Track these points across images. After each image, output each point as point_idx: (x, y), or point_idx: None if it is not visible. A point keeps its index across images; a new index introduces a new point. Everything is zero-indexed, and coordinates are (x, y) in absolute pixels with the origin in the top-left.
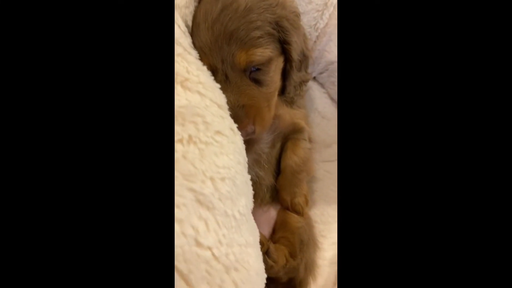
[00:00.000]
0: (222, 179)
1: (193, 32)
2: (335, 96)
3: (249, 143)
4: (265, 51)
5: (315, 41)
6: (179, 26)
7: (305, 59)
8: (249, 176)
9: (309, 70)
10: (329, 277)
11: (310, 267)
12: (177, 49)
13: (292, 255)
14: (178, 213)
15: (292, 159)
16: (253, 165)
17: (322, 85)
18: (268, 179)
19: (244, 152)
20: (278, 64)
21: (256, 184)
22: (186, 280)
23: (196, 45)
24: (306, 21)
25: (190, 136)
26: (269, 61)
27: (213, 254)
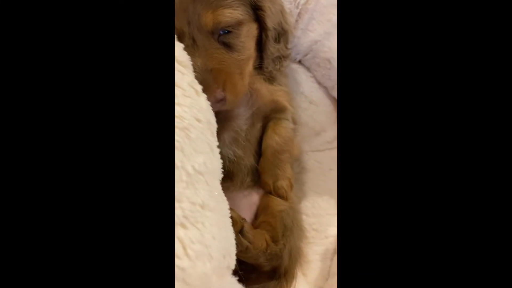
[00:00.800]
0: None
1: None
2: (322, 80)
3: (226, 120)
4: (234, 12)
5: (297, 20)
6: None
7: (284, 33)
8: (215, 141)
9: (294, 53)
10: (321, 273)
11: (295, 255)
12: None
13: (274, 239)
14: None
15: (273, 138)
16: (231, 144)
17: (308, 68)
18: (247, 159)
19: (210, 114)
20: (250, 30)
21: (234, 163)
22: None
23: None
24: None
25: None
26: (239, 23)
27: None
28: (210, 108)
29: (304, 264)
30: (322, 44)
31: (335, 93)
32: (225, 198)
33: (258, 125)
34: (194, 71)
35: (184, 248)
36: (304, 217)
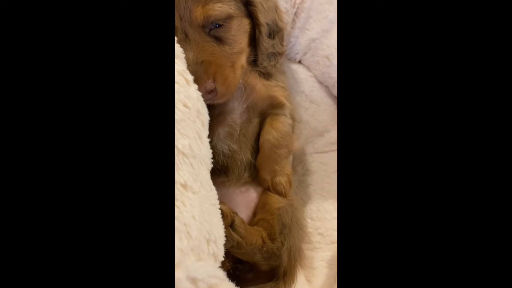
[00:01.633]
0: None
1: None
2: (322, 78)
3: (221, 114)
4: (224, 6)
5: (294, 19)
6: None
7: (279, 30)
8: (205, 131)
9: (293, 53)
10: (327, 280)
11: (295, 255)
12: None
13: (271, 237)
14: None
15: (270, 133)
16: (226, 138)
17: (308, 68)
18: (243, 154)
19: (200, 104)
20: (242, 24)
21: (229, 158)
22: None
23: None
24: None
25: None
26: (229, 17)
27: None
28: (201, 99)
29: (310, 270)
30: (320, 42)
31: (336, 92)
32: (214, 188)
33: (255, 121)
34: (187, 64)
35: None
36: (309, 220)
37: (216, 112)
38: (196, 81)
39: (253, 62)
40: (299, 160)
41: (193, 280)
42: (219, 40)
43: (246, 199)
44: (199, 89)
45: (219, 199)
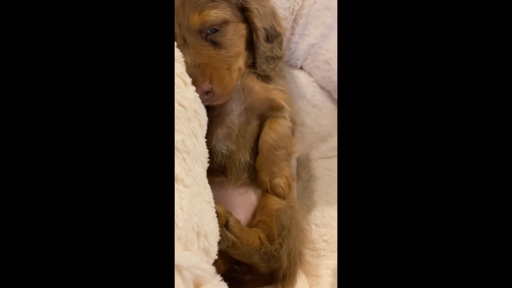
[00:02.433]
0: None
1: None
2: (323, 83)
3: (219, 116)
4: (219, 12)
5: (293, 26)
6: None
7: (277, 35)
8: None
9: (294, 59)
10: None
11: (295, 258)
12: None
13: (270, 239)
14: None
15: (268, 135)
16: (224, 139)
17: (309, 74)
18: (242, 154)
19: (197, 105)
20: (238, 29)
21: (227, 158)
22: None
23: None
24: (280, 4)
25: None
26: (225, 22)
27: None
28: (199, 100)
29: (314, 278)
30: (319, 47)
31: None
32: (209, 186)
33: (254, 123)
34: (186, 67)
35: None
36: (313, 227)
37: (215, 113)
38: (194, 82)
39: (252, 65)
40: (304, 166)
41: (178, 268)
42: (215, 44)
43: (245, 201)
44: (197, 91)
45: (218, 199)
